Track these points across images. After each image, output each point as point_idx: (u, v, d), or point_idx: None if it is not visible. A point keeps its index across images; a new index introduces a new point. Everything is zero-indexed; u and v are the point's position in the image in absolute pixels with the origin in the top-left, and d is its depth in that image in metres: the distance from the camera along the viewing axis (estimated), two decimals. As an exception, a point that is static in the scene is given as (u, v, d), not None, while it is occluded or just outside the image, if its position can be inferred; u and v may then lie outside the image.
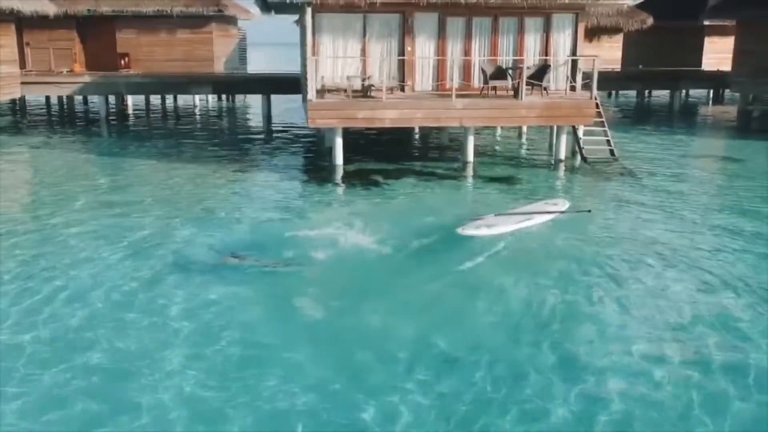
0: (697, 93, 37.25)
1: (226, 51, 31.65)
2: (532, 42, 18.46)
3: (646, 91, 36.49)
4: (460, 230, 10.67)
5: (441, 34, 18.19)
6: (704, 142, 22.18)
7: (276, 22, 30.78)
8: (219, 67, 30.40)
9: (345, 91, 16.97)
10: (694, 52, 34.51)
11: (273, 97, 26.75)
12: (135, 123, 27.16)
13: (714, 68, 32.70)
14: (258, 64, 40.06)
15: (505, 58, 18.03)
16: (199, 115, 29.32)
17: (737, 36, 28.03)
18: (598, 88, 32.39)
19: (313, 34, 17.20)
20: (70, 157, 18.81)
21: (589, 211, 12.41)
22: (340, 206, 13.42)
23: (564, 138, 17.21)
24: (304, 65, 18.62)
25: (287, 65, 36.57)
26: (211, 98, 32.97)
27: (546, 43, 18.48)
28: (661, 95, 35.81)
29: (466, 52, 18.23)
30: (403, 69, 18.14)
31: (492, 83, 17.23)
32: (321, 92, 17.10)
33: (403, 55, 18.03)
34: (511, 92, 17.20)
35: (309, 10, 16.55)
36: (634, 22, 32.16)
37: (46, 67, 28.16)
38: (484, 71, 17.42)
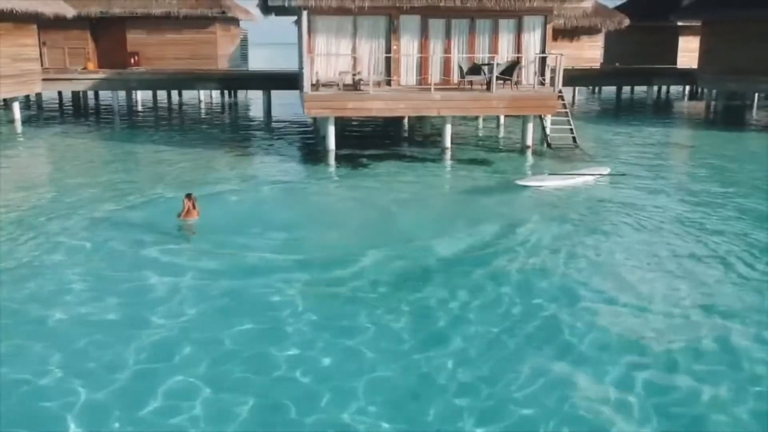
0: (677, 89, 39.33)
1: (228, 50, 33.79)
2: (505, 41, 20.60)
3: (629, 87, 38.55)
4: (518, 181, 14.31)
5: (423, 34, 20.32)
6: (666, 131, 24.25)
7: (275, 22, 32.82)
8: (222, 65, 32.52)
9: (337, 85, 19.08)
10: (669, 51, 36.67)
11: (273, 92, 28.84)
12: (144, 116, 29.27)
13: (688, 66, 34.83)
14: (258, 62, 42.11)
15: (481, 56, 20.15)
16: (204, 109, 31.40)
17: (702, 36, 30.20)
18: (580, 84, 34.77)
19: (309, 34, 19.35)
20: (91, 145, 20.95)
21: (624, 174, 15.48)
22: (329, 180, 15.64)
23: (531, 126, 19.38)
24: (301, 62, 20.75)
25: (286, 63, 38.62)
26: (215, 94, 35.06)
27: (518, 42, 20.61)
28: (641, 91, 37.95)
29: (446, 50, 20.35)
30: (389, 65, 20.28)
31: (468, 78, 19.38)
32: (316, 86, 19.19)
33: (390, 52, 20.17)
34: (486, 86, 19.31)
35: (305, 13, 18.70)
36: (611, 23, 34.33)
37: (61, 65, 30.22)
38: (461, 67, 19.57)
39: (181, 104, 33.11)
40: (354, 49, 20.17)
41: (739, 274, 9.47)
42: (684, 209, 12.96)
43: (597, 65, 36.00)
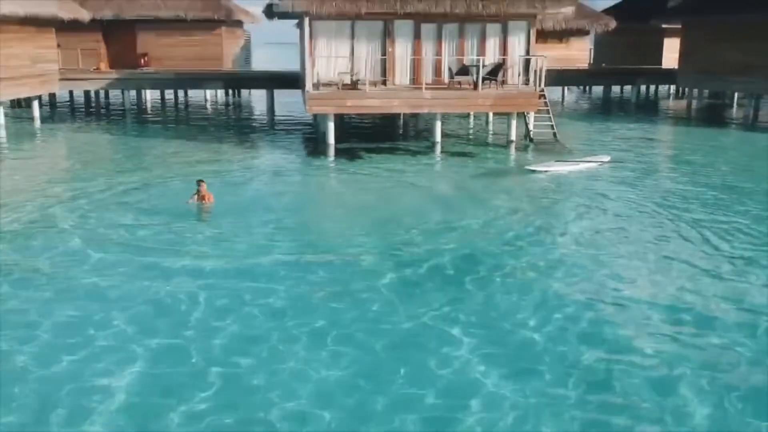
0: (664, 88, 40.91)
1: (233, 51, 35.44)
2: (492, 44, 22.26)
3: (619, 87, 40.15)
4: (530, 167, 16.46)
5: (416, 37, 21.97)
6: (644, 128, 25.86)
7: (277, 23, 34.45)
8: (227, 66, 34.17)
9: (337, 85, 20.73)
10: (654, 52, 38.25)
11: (276, 92, 30.46)
12: (153, 114, 30.95)
13: (672, 66, 36.47)
14: (261, 62, 43.76)
15: (469, 58, 21.80)
16: (210, 107, 33.07)
17: (682, 38, 31.91)
18: (568, 84, 36.25)
19: (310, 37, 21.02)
20: (106, 141, 22.66)
21: (622, 162, 17.41)
22: (328, 170, 17.39)
23: (515, 123, 21.06)
24: (303, 63, 22.41)
25: (287, 63, 40.29)
26: (220, 93, 36.72)
27: (504, 44, 22.27)
28: (629, 91, 39.53)
29: (437, 52, 22.00)
30: (385, 66, 21.95)
31: (457, 78, 21.05)
32: (317, 86, 20.87)
33: (385, 54, 21.84)
34: (473, 86, 20.97)
35: (307, 19, 20.36)
36: (599, 25, 36.03)
37: (74, 65, 31.86)
38: (450, 68, 21.24)
39: (187, 103, 34.76)
40: (352, 51, 21.83)
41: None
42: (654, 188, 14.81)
43: (585, 65, 37.69)
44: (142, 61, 33.01)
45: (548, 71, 28.91)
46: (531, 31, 22.31)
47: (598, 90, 39.91)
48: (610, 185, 15.49)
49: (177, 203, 13.30)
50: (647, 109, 33.87)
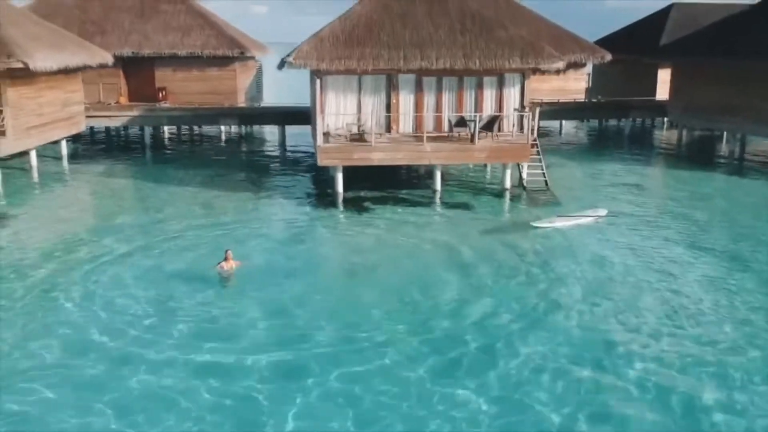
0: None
1: (246, 83, 37.32)
2: (489, 95, 24.00)
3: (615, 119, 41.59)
4: (533, 223, 18.01)
5: (418, 90, 23.76)
6: (635, 170, 27.26)
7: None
8: (241, 98, 36.04)
9: (345, 137, 22.50)
10: (649, 82, 39.83)
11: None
12: (171, 148, 32.82)
13: (666, 95, 38.06)
14: (271, 89, 45.29)
15: (467, 112, 23.53)
16: (225, 141, 34.93)
17: (672, 74, 33.63)
18: (564, 118, 37.90)
19: (321, 91, 22.81)
20: (129, 187, 24.53)
21: (617, 216, 19.06)
22: (340, 225, 19.18)
23: (509, 172, 22.87)
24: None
25: (296, 84, 41.57)
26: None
27: (500, 95, 24.02)
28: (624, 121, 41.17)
29: (438, 103, 23.78)
30: (389, 116, 23.72)
31: (456, 130, 22.82)
32: (326, 135, 22.65)
33: (390, 105, 23.63)
34: (470, 138, 22.72)
35: (318, 81, 22.20)
36: (595, 58, 37.72)
37: (96, 99, 33.81)
38: (450, 121, 23.03)
39: (202, 135, 36.54)
40: (359, 103, 23.62)
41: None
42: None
43: (582, 96, 39.38)
44: (160, 95, 34.89)
45: (545, 105, 31.02)
46: (525, 83, 24.03)
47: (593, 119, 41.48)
48: (614, 249, 17.00)
49: (201, 267, 15.07)
50: (640, 143, 35.46)
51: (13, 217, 19.66)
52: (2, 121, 23.09)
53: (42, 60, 23.37)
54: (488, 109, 23.85)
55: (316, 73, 22.82)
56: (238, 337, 11.79)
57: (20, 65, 22.33)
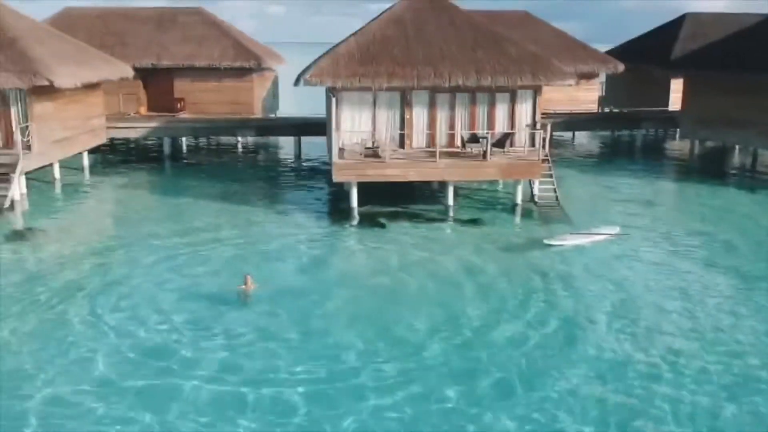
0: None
1: (263, 93, 37.90)
2: (501, 111, 24.45)
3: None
4: (546, 241, 18.40)
5: (432, 105, 24.25)
6: (646, 184, 27.54)
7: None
8: (258, 108, 36.63)
9: (360, 153, 22.99)
10: (662, 91, 39.96)
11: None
12: (190, 159, 33.50)
13: (678, 105, 38.21)
14: (287, 97, 45.85)
15: (480, 127, 23.98)
16: (241, 151, 35.57)
17: (684, 87, 33.88)
18: (576, 129, 38.13)
19: (337, 108, 23.33)
20: (149, 200, 25.16)
21: (628, 234, 19.41)
22: (355, 241, 19.70)
23: (520, 188, 23.32)
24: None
25: (310, 95, 42.22)
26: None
27: (512, 111, 24.46)
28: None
29: (451, 118, 24.26)
30: (403, 131, 24.20)
31: (469, 146, 23.27)
32: (341, 150, 23.16)
33: (403, 120, 24.13)
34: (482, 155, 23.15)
35: (334, 100, 22.72)
36: (607, 68, 38.06)
37: (116, 109, 34.52)
38: (462, 137, 23.50)
39: (219, 145, 37.14)
40: (374, 118, 24.12)
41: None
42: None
43: (595, 105, 39.65)
44: (179, 105, 35.57)
45: (557, 116, 31.42)
46: (537, 99, 24.46)
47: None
48: (629, 269, 17.34)
49: (222, 286, 15.70)
50: (652, 154, 35.64)
51: (40, 231, 20.36)
52: (28, 136, 23.82)
53: (66, 77, 24.07)
54: (500, 124, 24.31)
55: (331, 91, 23.38)
56: (258, 360, 12.33)
57: (46, 83, 23.00)
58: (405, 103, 24.18)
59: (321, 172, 29.28)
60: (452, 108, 24.35)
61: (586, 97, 39.29)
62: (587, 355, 12.54)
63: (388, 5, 26.76)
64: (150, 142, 36.60)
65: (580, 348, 12.86)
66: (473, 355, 12.51)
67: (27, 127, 23.85)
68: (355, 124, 24.03)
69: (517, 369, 11.97)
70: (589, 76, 38.40)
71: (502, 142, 23.22)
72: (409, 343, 13.01)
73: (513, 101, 24.40)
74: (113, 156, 33.86)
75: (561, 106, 37.13)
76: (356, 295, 15.59)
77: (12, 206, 22.67)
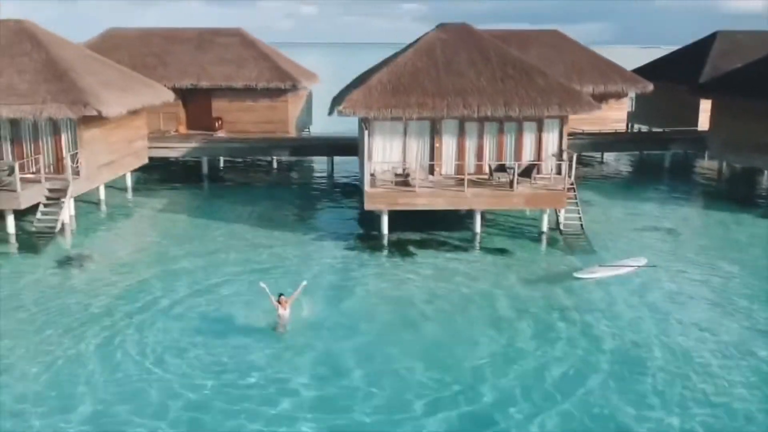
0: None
1: (297, 112, 39.03)
2: (528, 140, 25.24)
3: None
4: (576, 274, 19.09)
5: (461, 134, 25.10)
6: (673, 211, 27.88)
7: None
8: (292, 127, 37.74)
9: (391, 181, 23.89)
10: (691, 111, 40.10)
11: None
12: (227, 178, 34.72)
13: (708, 127, 38.37)
14: (319, 110, 47.03)
15: (507, 155, 24.77)
16: (276, 169, 36.70)
17: (712, 109, 34.16)
18: (604, 150, 38.46)
19: (369, 138, 24.25)
20: (189, 223, 26.19)
21: (655, 266, 19.88)
22: (385, 271, 20.63)
23: (546, 216, 24.02)
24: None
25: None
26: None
27: (539, 140, 25.21)
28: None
29: (479, 147, 25.07)
30: (433, 159, 25.07)
31: (496, 175, 24.06)
32: (373, 177, 24.07)
33: (433, 149, 25.01)
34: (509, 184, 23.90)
35: (366, 133, 23.68)
36: (636, 88, 38.39)
37: (157, 127, 35.90)
38: (490, 167, 24.29)
39: (254, 162, 38.27)
40: (404, 146, 25.04)
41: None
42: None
43: (623, 125, 40.01)
44: (216, 124, 36.87)
45: (585, 137, 31.95)
46: (563, 128, 25.17)
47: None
48: (655, 307, 17.75)
49: (258, 314, 16.72)
50: (680, 175, 35.74)
51: (87, 257, 21.63)
52: (77, 162, 25.18)
53: (113, 106, 25.35)
54: (527, 152, 25.11)
55: (364, 121, 24.35)
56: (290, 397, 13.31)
57: (95, 113, 24.32)
58: (435, 132, 25.08)
59: (353, 192, 30.23)
60: (480, 137, 25.19)
61: (615, 116, 39.64)
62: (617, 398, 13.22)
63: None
64: (189, 161, 37.93)
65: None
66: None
67: (76, 153, 25.22)
68: (387, 153, 25.00)
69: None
70: (618, 95, 38.80)
71: (528, 171, 23.95)
72: (422, 381, 13.86)
73: (540, 130, 25.16)
74: (155, 174, 35.18)
75: (589, 126, 37.57)
76: (386, 329, 16.48)
77: (63, 229, 24.04)
